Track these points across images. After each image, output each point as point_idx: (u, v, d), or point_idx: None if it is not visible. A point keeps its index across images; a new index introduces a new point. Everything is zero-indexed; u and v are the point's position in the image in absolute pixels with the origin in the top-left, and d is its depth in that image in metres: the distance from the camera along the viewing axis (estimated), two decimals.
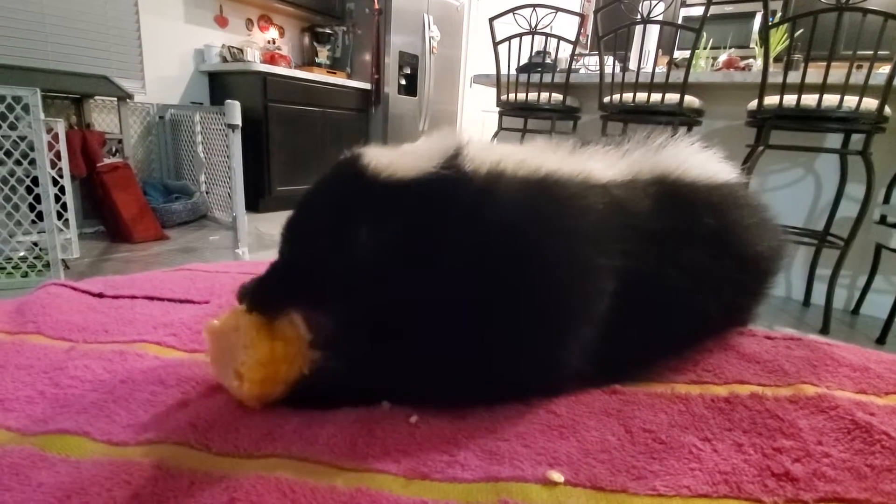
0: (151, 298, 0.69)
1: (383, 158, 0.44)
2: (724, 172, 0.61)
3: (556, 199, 0.46)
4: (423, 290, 0.44)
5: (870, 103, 1.55)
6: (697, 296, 0.53)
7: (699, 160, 0.59)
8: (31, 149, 1.55)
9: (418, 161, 0.43)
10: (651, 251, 0.49)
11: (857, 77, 1.56)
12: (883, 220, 1.81)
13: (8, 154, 1.57)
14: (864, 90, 1.54)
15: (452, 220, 0.43)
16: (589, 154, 0.54)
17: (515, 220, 0.44)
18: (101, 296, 0.69)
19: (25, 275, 1.62)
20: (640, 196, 0.51)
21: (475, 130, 4.45)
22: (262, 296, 0.46)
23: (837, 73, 1.57)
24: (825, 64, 1.56)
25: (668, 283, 0.50)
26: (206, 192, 2.83)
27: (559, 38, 2.10)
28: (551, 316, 0.45)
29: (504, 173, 0.45)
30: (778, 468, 0.38)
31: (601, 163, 0.53)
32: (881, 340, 1.68)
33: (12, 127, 1.56)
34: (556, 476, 0.37)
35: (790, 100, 1.63)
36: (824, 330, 1.75)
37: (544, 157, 0.50)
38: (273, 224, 2.80)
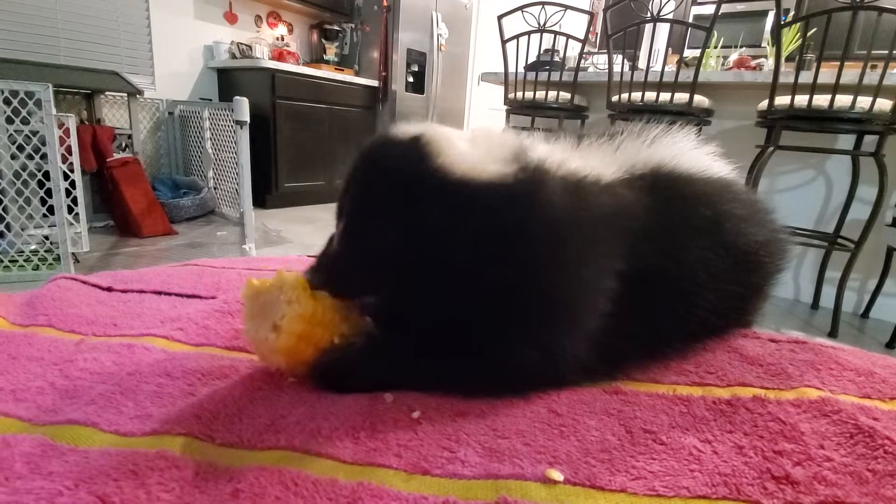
0: (159, 293, 0.70)
1: (456, 154, 0.44)
2: (718, 167, 0.62)
3: (586, 202, 0.48)
4: (472, 283, 0.45)
5: (884, 104, 1.53)
6: (695, 287, 0.54)
7: (692, 155, 0.60)
8: (43, 143, 1.57)
9: (493, 163, 0.44)
10: (649, 245, 0.50)
11: (871, 77, 1.54)
12: (895, 222, 1.79)
13: (20, 149, 1.60)
14: (878, 91, 1.52)
15: (523, 224, 0.44)
16: (587, 150, 0.55)
17: (555, 221, 0.46)
18: (110, 290, 0.70)
19: (37, 268, 1.64)
20: (638, 193, 0.52)
21: None
22: (334, 282, 0.48)
23: (851, 73, 1.55)
24: (838, 64, 1.54)
25: (666, 276, 0.52)
26: (214, 188, 2.85)
27: (568, 37, 2.09)
28: (568, 312, 0.47)
29: (548, 173, 0.47)
30: (778, 471, 0.38)
31: (602, 160, 0.54)
32: (891, 345, 1.66)
33: (24, 122, 1.58)
34: (556, 475, 0.37)
35: (802, 100, 1.61)
36: (833, 333, 1.73)
37: (571, 157, 0.51)
38: (280, 220, 2.82)
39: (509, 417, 0.44)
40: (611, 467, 0.38)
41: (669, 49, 2.38)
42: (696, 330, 0.58)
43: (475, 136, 0.48)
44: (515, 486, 0.36)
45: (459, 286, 0.46)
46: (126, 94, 2.55)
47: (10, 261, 1.64)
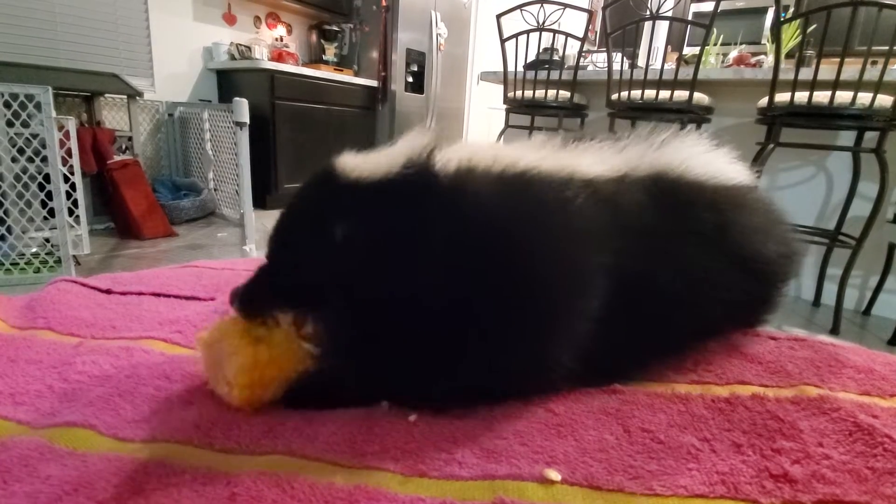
0: (158, 295, 0.70)
1: (351, 161, 0.45)
2: (732, 172, 0.59)
3: (533, 194, 0.45)
4: (398, 287, 0.44)
5: (884, 100, 1.52)
6: (698, 296, 0.52)
7: (704, 159, 0.58)
8: (43, 146, 1.57)
9: (385, 162, 0.44)
10: (646, 249, 0.48)
11: (872, 73, 1.53)
12: None
13: (21, 151, 1.60)
14: (878, 87, 1.51)
15: (421, 217, 0.43)
16: (580, 150, 0.53)
17: (489, 216, 0.43)
18: (109, 292, 0.70)
19: (38, 270, 1.64)
20: (632, 192, 0.50)
21: (482, 128, 4.44)
22: (249, 299, 0.47)
23: (851, 69, 1.54)
24: (838, 60, 1.53)
25: (665, 283, 0.49)
26: (215, 190, 2.86)
27: (567, 35, 2.08)
28: (530, 312, 0.45)
29: (475, 169, 0.45)
30: (776, 469, 0.38)
31: (591, 158, 0.52)
32: (893, 342, 1.65)
33: (25, 125, 1.58)
34: (553, 475, 0.37)
35: (802, 97, 1.60)
36: (834, 331, 1.72)
37: (524, 153, 0.49)
38: None
39: (507, 418, 0.44)
40: (608, 467, 0.38)
41: (669, 47, 2.38)
42: (699, 336, 0.57)
43: (390, 147, 0.47)
44: (512, 487, 0.36)
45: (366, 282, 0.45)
46: (126, 97, 2.55)
47: (11, 264, 1.64)
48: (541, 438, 0.41)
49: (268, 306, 0.47)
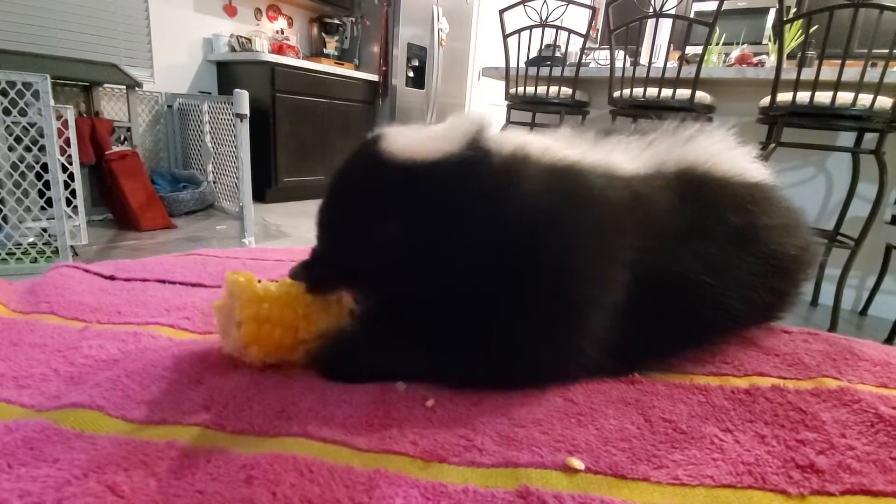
0: (163, 282, 0.69)
1: (402, 141, 0.44)
2: (755, 171, 0.59)
3: (578, 190, 0.46)
4: (444, 273, 0.44)
5: (884, 102, 1.53)
6: (719, 294, 0.52)
7: (730, 156, 0.57)
8: (41, 135, 1.55)
9: (439, 143, 0.43)
10: (671, 246, 0.48)
11: (872, 75, 1.54)
12: (894, 220, 1.79)
13: (18, 140, 1.58)
14: (878, 88, 1.52)
15: (475, 202, 0.43)
16: (612, 145, 0.53)
17: (537, 207, 0.44)
18: (112, 278, 0.69)
19: (35, 261, 1.62)
20: (662, 190, 0.50)
21: None
22: (310, 279, 0.48)
23: (852, 70, 1.54)
24: (839, 61, 1.53)
25: (687, 280, 0.49)
26: (214, 182, 2.83)
27: (570, 32, 2.08)
28: (565, 303, 0.45)
29: (528, 158, 0.45)
30: (802, 460, 0.37)
31: (624, 154, 0.52)
32: (889, 341, 1.66)
33: (22, 113, 1.56)
34: (577, 463, 0.36)
35: (803, 97, 1.61)
36: (832, 330, 1.73)
37: (567, 146, 0.49)
38: (279, 214, 2.80)
39: (524, 406, 0.44)
40: (632, 456, 0.37)
41: (671, 45, 2.38)
42: (718, 334, 0.57)
43: (440, 125, 0.47)
44: (536, 475, 0.35)
45: (417, 268, 0.45)
46: (125, 87, 2.52)
47: (7, 253, 1.61)
48: (561, 427, 0.41)
49: (327, 285, 0.49)
